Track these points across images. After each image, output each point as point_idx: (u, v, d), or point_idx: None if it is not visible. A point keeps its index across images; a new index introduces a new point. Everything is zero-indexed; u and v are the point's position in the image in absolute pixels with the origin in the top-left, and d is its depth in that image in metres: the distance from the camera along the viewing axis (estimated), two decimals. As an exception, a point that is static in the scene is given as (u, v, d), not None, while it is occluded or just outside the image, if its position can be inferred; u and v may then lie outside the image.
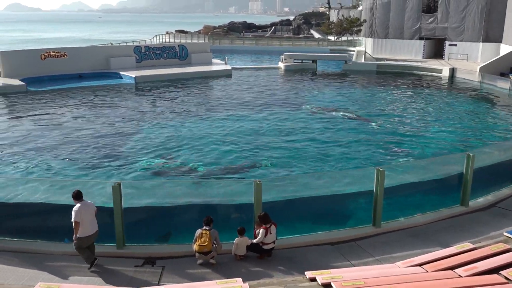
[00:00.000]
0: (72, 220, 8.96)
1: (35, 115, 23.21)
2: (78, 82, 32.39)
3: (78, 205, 9.08)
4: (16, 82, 29.85)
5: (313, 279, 7.65)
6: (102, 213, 10.39)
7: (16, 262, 9.39)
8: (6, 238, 10.24)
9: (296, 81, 36.29)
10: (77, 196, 9.18)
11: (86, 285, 8.11)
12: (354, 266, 9.30)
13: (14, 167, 15.81)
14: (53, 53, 34.24)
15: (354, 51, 53.08)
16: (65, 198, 10.64)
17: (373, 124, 22.27)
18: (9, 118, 22.85)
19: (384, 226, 10.96)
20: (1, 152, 17.36)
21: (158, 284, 8.68)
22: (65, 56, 34.59)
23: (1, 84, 29.45)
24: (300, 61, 43.00)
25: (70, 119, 22.31)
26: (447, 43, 47.43)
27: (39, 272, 9.03)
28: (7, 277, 8.84)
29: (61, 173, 15.26)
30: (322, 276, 7.56)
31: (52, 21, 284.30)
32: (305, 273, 7.95)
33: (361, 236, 10.63)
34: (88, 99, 27.02)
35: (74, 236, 9.06)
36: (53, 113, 23.54)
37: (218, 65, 40.98)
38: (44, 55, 33.78)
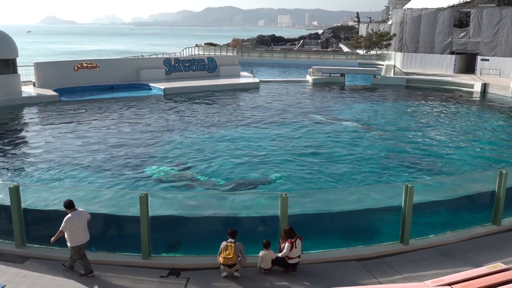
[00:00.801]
0: (60, 228, 9.15)
1: (67, 124, 23.75)
2: (108, 93, 33.08)
3: (69, 215, 9.21)
4: (50, 92, 30.66)
5: (338, 296, 7.54)
6: (129, 223, 10.54)
7: (45, 269, 9.57)
8: (35, 245, 10.46)
9: (324, 94, 36.17)
10: (69, 205, 9.31)
11: (111, 294, 8.18)
12: (381, 283, 9.12)
13: (46, 174, 16.17)
14: (86, 65, 35.09)
15: (383, 65, 52.62)
16: (94, 207, 10.86)
17: (402, 139, 21.96)
18: (42, 127, 23.44)
19: (413, 243, 10.73)
20: (34, 160, 17.79)
21: (182, 296, 8.69)
22: (97, 68, 35.39)
23: (35, 94, 30.32)
24: (328, 74, 42.87)
25: (99, 129, 22.74)
26: (479, 58, 46.56)
27: (66, 280, 9.17)
28: (35, 283, 9.00)
29: (89, 181, 15.52)
30: (347, 293, 7.44)
31: (85, 34, 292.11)
32: (330, 289, 7.85)
33: (389, 253, 10.43)
34: (118, 110, 27.53)
35: (53, 238, 9.26)
36: (83, 123, 24.06)
37: (246, 77, 41.22)
38: (77, 66, 34.64)
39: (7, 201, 10.24)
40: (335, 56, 64.23)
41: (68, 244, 9.26)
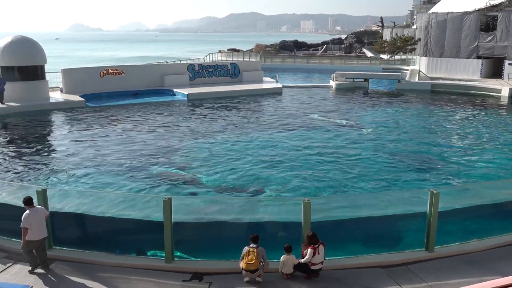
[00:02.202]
0: (21, 225, 9.43)
1: (93, 129, 24.17)
2: (133, 98, 33.55)
3: (27, 211, 9.51)
4: (76, 98, 31.26)
5: (362, 303, 7.45)
6: (152, 226, 10.63)
7: (70, 272, 9.73)
8: (61, 248, 10.65)
9: (347, 100, 35.93)
10: (27, 202, 9.61)
11: (135, 297, 8.26)
12: (405, 291, 8.98)
13: (73, 178, 16.46)
14: (111, 71, 35.67)
15: (407, 70, 52.02)
16: (116, 211, 11.02)
17: (426, 145, 21.64)
18: (69, 132, 23.90)
19: (438, 251, 10.54)
20: (61, 164, 18.15)
21: (204, 300, 8.72)
22: (122, 74, 35.93)
23: (62, 100, 30.95)
24: (352, 79, 42.57)
25: (124, 134, 23.06)
26: (506, 62, 45.52)
27: (91, 282, 9.30)
28: (62, 285, 9.17)
29: (113, 186, 15.74)
30: (371, 300, 7.34)
31: (111, 41, 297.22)
32: (354, 296, 7.75)
33: (413, 260, 10.27)
34: (142, 115, 27.88)
35: (22, 240, 9.52)
36: (109, 128, 24.45)
37: (269, 83, 41.28)
38: (103, 72, 35.24)
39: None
40: (359, 61, 63.83)
41: (22, 241, 9.55)
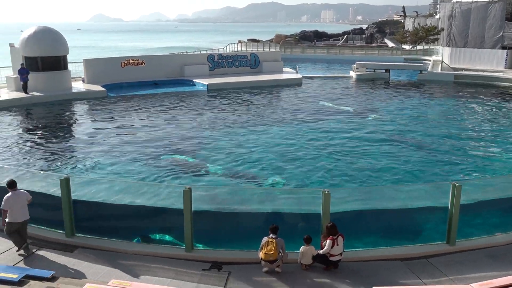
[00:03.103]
0: (0, 207, 9.83)
1: (114, 119, 24.44)
2: (154, 88, 33.79)
3: (9, 194, 9.85)
4: (98, 88, 31.61)
5: (381, 295, 7.41)
6: (171, 216, 10.73)
7: (92, 259, 9.90)
8: (85, 235, 10.85)
9: (367, 90, 35.57)
10: (10, 185, 9.94)
11: (155, 285, 8.37)
12: (426, 284, 8.90)
13: (94, 166, 16.70)
14: (132, 61, 35.94)
15: (430, 60, 51.22)
16: (137, 199, 11.14)
17: (449, 136, 21.32)
18: (90, 121, 24.22)
19: (459, 244, 10.40)
20: (83, 152, 18.42)
21: (224, 289, 8.79)
22: (143, 64, 36.18)
23: (84, 90, 31.32)
24: (373, 70, 42.10)
25: (144, 124, 23.26)
26: (533, 52, 44.53)
27: (112, 269, 9.46)
28: (84, 272, 9.34)
29: (133, 174, 15.91)
30: (391, 292, 7.30)
31: (132, 31, 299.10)
32: (373, 288, 7.72)
33: (434, 253, 10.16)
34: (162, 105, 28.06)
35: (2, 221, 10.00)
36: (129, 118, 24.67)
37: (288, 73, 41.10)
38: (124, 62, 35.54)
39: (58, 193, 10.66)
40: (380, 51, 63.08)
41: (6, 219, 9.89)
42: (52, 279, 8.58)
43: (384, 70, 41.80)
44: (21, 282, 8.10)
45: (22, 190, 10.15)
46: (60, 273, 9.02)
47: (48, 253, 10.10)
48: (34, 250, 10.19)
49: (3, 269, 8.79)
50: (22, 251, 10.01)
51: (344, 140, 20.35)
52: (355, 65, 42.29)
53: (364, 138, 20.71)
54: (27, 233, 10.24)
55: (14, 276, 8.16)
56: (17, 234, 9.99)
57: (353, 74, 41.57)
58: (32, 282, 8.20)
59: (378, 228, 10.95)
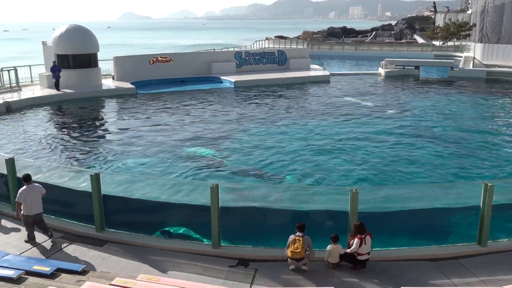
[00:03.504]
0: (16, 200, 10.29)
1: (142, 116, 24.76)
2: (181, 86, 34.09)
3: (23, 187, 10.28)
4: (127, 85, 32.08)
5: (410, 296, 7.30)
6: (199, 212, 10.81)
7: (121, 253, 10.07)
8: (114, 230, 11.04)
9: (396, 87, 35.05)
10: (25, 179, 10.37)
11: (183, 281, 8.44)
12: (455, 285, 8.73)
13: (124, 162, 16.98)
14: (161, 59, 36.35)
15: (461, 57, 50.11)
16: (165, 196, 11.27)
17: (480, 135, 20.82)
18: (120, 118, 24.61)
19: (491, 245, 10.15)
20: (113, 149, 18.75)
21: (250, 286, 8.81)
22: (171, 61, 36.55)
23: (114, 87, 31.86)
24: (402, 67, 41.47)
25: (172, 120, 23.49)
26: None
27: (141, 264, 9.60)
28: (113, 266, 9.51)
29: (161, 171, 16.10)
30: (420, 293, 7.18)
31: (160, 29, 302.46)
32: (402, 288, 7.61)
33: (464, 254, 9.94)
34: (189, 102, 28.29)
35: (16, 212, 10.44)
36: (158, 115, 24.96)
37: (316, 70, 40.85)
38: (153, 60, 35.98)
39: (89, 188, 10.88)
40: (409, 48, 62.04)
41: (21, 212, 10.28)
42: (83, 272, 8.77)
43: (413, 67, 41.11)
44: (53, 275, 8.31)
45: (36, 184, 10.54)
46: (90, 267, 9.22)
47: (78, 247, 10.32)
48: (65, 244, 10.44)
49: (36, 262, 9.03)
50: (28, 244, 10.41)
51: (372, 138, 20.10)
52: (383, 62, 41.73)
53: (393, 136, 20.42)
54: (45, 224, 10.66)
55: (46, 269, 8.38)
56: (33, 226, 10.43)
57: (381, 71, 41.04)
58: (63, 275, 8.40)
59: (406, 228, 10.79)
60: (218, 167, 16.53)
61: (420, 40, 77.21)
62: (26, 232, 10.53)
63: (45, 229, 10.60)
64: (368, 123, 22.79)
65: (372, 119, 23.66)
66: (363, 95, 31.05)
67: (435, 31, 64.71)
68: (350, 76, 40.13)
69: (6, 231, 11.12)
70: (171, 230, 10.89)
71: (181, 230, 10.96)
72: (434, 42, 65.26)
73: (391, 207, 10.76)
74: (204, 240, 10.60)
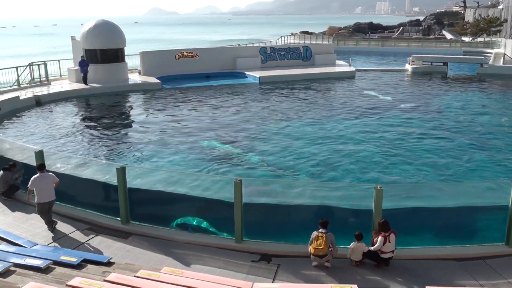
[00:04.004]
0: (28, 186, 10.69)
1: (167, 110, 25.00)
2: (206, 81, 34.26)
3: (36, 175, 10.66)
4: (153, 80, 32.42)
5: (434, 295, 7.19)
6: (222, 207, 10.86)
7: (146, 246, 10.22)
8: (139, 223, 11.20)
9: (423, 84, 34.47)
10: (39, 167, 10.79)
11: (206, 274, 8.51)
12: (482, 286, 8.57)
13: (149, 156, 17.19)
14: (186, 54, 36.59)
15: (491, 53, 48.93)
16: (187, 189, 11.35)
17: (508, 134, 20.32)
18: (146, 112, 24.91)
19: (519, 246, 9.92)
20: (138, 142, 19.01)
21: (273, 281, 8.82)
22: (197, 57, 36.75)
23: (140, 82, 32.23)
24: (430, 63, 40.74)
25: (196, 115, 23.65)
26: None
27: (165, 257, 9.72)
28: (138, 258, 9.65)
29: (185, 165, 16.23)
30: (444, 293, 7.06)
31: (186, 24, 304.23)
32: (426, 287, 7.50)
33: (492, 254, 9.74)
34: (214, 97, 28.41)
35: (27, 197, 10.93)
36: (183, 109, 25.16)
37: (341, 66, 40.50)
38: (178, 55, 36.24)
39: (114, 181, 11.06)
40: (438, 43, 60.88)
41: (35, 200, 10.70)
42: (108, 264, 8.93)
43: (441, 63, 40.35)
44: (80, 265, 8.48)
45: (49, 173, 10.88)
46: (115, 259, 9.38)
47: (104, 239, 10.51)
48: (91, 236, 10.64)
49: (64, 252, 9.24)
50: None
51: (399, 135, 19.84)
52: (411, 58, 41.07)
53: (420, 133, 20.10)
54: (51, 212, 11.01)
55: (73, 259, 8.56)
56: (47, 213, 10.76)
57: (408, 67, 40.41)
58: (89, 266, 8.57)
59: (432, 226, 10.62)
60: (241, 162, 16.57)
61: (448, 36, 75.67)
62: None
63: (50, 218, 10.96)
64: (395, 121, 22.48)
65: (399, 116, 23.33)
66: (388, 91, 30.63)
67: (465, 26, 63.33)
68: (376, 72, 39.65)
69: (35, 222, 11.39)
70: (184, 222, 11.03)
71: (195, 222, 11.08)
72: (463, 38, 63.89)
73: (416, 205, 10.60)
74: (224, 234, 10.65)
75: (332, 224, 9.40)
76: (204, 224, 10.99)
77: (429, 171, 15.63)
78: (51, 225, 10.81)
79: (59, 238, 10.55)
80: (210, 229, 10.97)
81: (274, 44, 51.57)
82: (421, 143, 18.71)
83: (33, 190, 10.61)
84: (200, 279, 7.92)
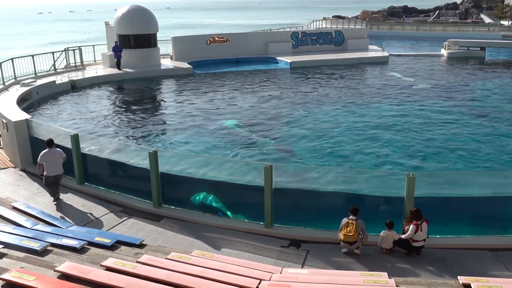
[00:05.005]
0: (37, 160, 11.56)
1: (199, 95, 25.13)
2: (237, 66, 34.23)
3: (45, 150, 11.56)
4: (185, 65, 32.60)
5: (467, 286, 7.05)
6: (253, 192, 10.90)
7: (177, 229, 10.40)
8: (170, 206, 11.39)
9: (460, 69, 33.51)
10: (48, 143, 11.70)
11: (235, 258, 8.61)
12: (517, 277, 8.36)
13: (181, 141, 17.39)
14: (218, 39, 36.58)
15: (532, 37, 47.05)
16: (220, 175, 11.44)
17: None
18: (178, 97, 25.09)
19: (557, 237, 9.62)
20: (170, 127, 19.24)
21: (302, 267, 8.85)
22: (228, 42, 36.70)
23: (172, 67, 32.47)
24: (466, 48, 39.51)
25: (227, 101, 23.69)
26: None
27: (196, 240, 9.87)
28: (169, 241, 9.83)
29: (216, 150, 16.34)
30: (478, 283, 6.92)
31: (218, 9, 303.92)
32: (458, 277, 7.37)
33: (528, 245, 9.49)
34: (245, 83, 28.37)
35: (37, 170, 11.75)
36: (214, 95, 25.24)
37: (374, 51, 39.73)
38: (210, 40, 36.27)
39: (147, 165, 11.24)
40: (475, 28, 58.84)
41: (44, 173, 11.57)
42: (141, 246, 9.13)
43: (479, 48, 39.09)
44: (113, 246, 8.70)
45: (57, 149, 11.79)
46: (147, 241, 9.58)
47: (137, 221, 10.75)
48: (124, 218, 10.89)
49: (98, 233, 9.49)
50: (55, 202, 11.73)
51: (432, 122, 19.41)
52: (446, 43, 39.90)
53: (455, 120, 19.63)
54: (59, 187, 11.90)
55: (107, 240, 8.78)
56: (53, 186, 11.65)
57: (444, 52, 39.32)
58: (122, 247, 8.78)
59: (465, 215, 10.43)
60: (271, 149, 16.56)
61: (487, 19, 73.07)
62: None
63: (56, 191, 11.75)
64: (429, 107, 21.98)
65: (434, 103, 22.79)
66: (423, 77, 29.93)
67: (504, 10, 61.03)
68: (410, 58, 38.75)
69: (72, 203, 11.74)
70: (197, 198, 11.28)
71: (201, 196, 11.34)
72: (502, 22, 61.60)
73: (449, 193, 10.38)
74: (228, 212, 10.97)
75: (363, 211, 9.33)
76: (210, 201, 11.15)
77: (464, 159, 15.27)
78: (54, 196, 11.71)
79: (93, 220, 10.85)
80: (214, 204, 11.12)
81: (306, 29, 50.97)
82: (457, 130, 18.27)
83: (43, 164, 11.42)
84: (229, 262, 8.02)
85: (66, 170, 13.04)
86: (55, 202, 11.63)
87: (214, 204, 11.24)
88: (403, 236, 9.08)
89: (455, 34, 50.33)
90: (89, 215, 11.10)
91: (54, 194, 11.71)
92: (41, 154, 11.54)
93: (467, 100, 23.53)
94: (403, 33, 58.13)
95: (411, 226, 8.94)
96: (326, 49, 39.43)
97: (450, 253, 9.32)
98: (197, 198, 11.38)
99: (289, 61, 34.16)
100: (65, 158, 11.84)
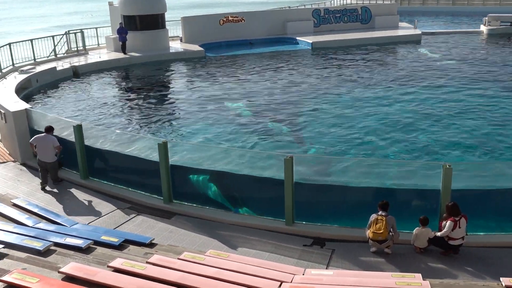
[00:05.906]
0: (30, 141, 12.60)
1: (211, 81, 25.14)
2: (254, 48, 34.10)
3: (40, 134, 12.41)
4: (196, 48, 32.59)
5: (510, 288, 6.99)
6: (272, 186, 10.88)
7: (190, 227, 10.47)
8: (182, 202, 11.46)
9: (502, 48, 32.91)
10: (46, 129, 12.51)
11: (253, 259, 8.63)
12: None
13: (192, 130, 17.46)
14: (231, 18, 36.43)
15: None
16: (234, 166, 11.46)
17: None
18: (188, 84, 25.16)
19: None
20: (180, 115, 19.32)
21: (326, 268, 8.84)
22: (243, 21, 36.53)
23: (182, 50, 32.48)
24: (509, 23, 38.74)
25: (243, 87, 23.66)
26: None
27: (210, 239, 9.92)
28: (181, 240, 9.91)
29: (229, 140, 16.36)
30: (523, 285, 6.85)
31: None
32: (501, 279, 7.28)
33: None
34: (262, 66, 28.27)
35: (32, 152, 12.69)
36: (227, 80, 25.20)
37: (405, 29, 39.21)
38: (223, 20, 36.15)
39: (156, 157, 11.30)
40: (519, 0, 57.59)
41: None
42: (151, 245, 9.22)
43: (524, 23, 38.30)
44: (121, 246, 8.79)
45: (51, 136, 12.45)
46: (158, 240, 9.66)
47: (146, 218, 10.85)
48: (133, 215, 11.00)
49: (104, 232, 9.60)
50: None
51: (470, 108, 19.12)
52: (486, 18, 39.16)
53: (495, 105, 19.32)
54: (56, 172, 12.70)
55: (114, 239, 8.88)
56: (44, 172, 12.43)
57: (484, 28, 38.61)
58: (131, 247, 8.88)
59: (508, 211, 10.26)
60: (289, 139, 16.52)
61: (533, -9, 71.51)
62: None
63: (46, 181, 12.51)
64: (466, 91, 21.64)
65: (472, 86, 22.43)
66: (461, 58, 29.44)
67: (553, -21, 59.52)
68: (445, 35, 38.10)
69: (75, 199, 11.90)
70: (200, 178, 11.53)
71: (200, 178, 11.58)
72: (550, -7, 60.14)
73: (490, 186, 10.23)
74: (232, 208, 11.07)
75: (393, 207, 9.26)
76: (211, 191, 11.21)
77: (506, 148, 15.04)
78: (42, 185, 12.45)
79: (99, 217, 10.97)
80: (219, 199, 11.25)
81: (328, 5, 50.49)
82: (504, 117, 17.94)
83: (35, 146, 12.29)
84: (247, 263, 8.04)
85: (69, 164, 13.22)
86: (42, 188, 12.43)
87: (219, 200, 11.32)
88: (438, 234, 8.99)
89: (496, 8, 49.42)
90: (94, 212, 11.23)
91: (43, 182, 12.47)
92: (34, 136, 12.53)
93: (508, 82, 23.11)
94: (438, 8, 57.26)
95: (448, 223, 8.84)
96: (351, 27, 38.99)
97: (492, 252, 9.22)
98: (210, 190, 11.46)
99: (311, 42, 33.91)
100: (60, 148, 12.44)
